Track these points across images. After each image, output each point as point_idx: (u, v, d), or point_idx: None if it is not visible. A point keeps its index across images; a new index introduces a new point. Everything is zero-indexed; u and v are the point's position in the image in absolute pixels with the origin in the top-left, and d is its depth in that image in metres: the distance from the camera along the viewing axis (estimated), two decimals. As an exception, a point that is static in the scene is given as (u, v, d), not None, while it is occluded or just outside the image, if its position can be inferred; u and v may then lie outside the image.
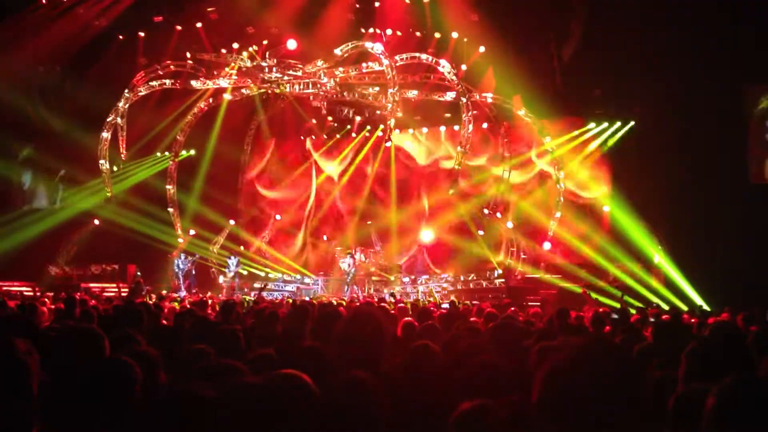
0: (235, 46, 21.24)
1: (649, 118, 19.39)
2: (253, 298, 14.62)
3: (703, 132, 17.42)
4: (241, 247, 24.35)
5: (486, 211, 21.81)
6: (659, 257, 18.87)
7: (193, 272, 22.38)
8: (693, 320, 8.44)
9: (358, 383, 2.68)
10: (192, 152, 24.45)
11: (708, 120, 17.50)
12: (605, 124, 20.91)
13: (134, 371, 3.00)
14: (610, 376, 2.00)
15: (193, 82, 22.00)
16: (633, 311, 11.20)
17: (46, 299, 11.59)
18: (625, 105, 20.12)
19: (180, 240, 23.03)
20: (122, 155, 21.87)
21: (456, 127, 21.70)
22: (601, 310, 9.98)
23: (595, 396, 1.97)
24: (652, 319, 8.87)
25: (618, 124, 20.75)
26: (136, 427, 2.81)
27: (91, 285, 20.93)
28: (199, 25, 21.16)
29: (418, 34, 21.10)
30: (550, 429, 1.99)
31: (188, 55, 21.65)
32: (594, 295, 14.52)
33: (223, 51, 21.45)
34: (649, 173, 18.05)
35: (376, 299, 15.32)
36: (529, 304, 15.33)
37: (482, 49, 20.20)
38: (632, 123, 20.44)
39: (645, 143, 19.02)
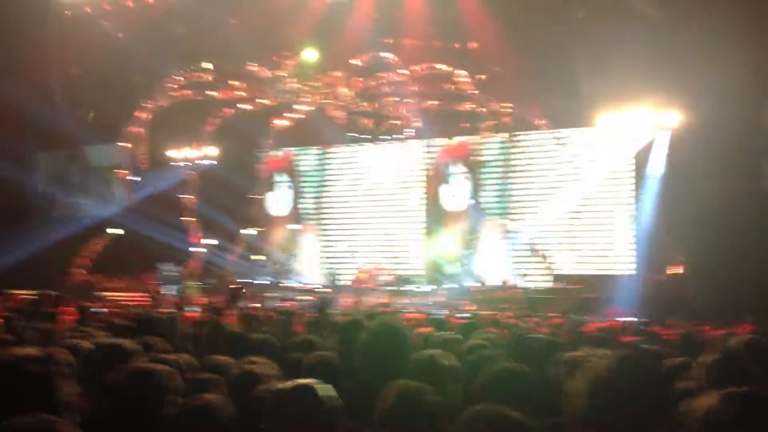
0: (255, 56, 21.39)
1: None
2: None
3: (732, 141, 17.09)
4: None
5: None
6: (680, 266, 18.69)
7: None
8: (719, 332, 8.31)
9: (413, 392, 2.65)
10: (211, 162, 24.54)
11: (739, 128, 17.17)
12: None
13: (162, 379, 2.97)
14: (645, 386, 1.97)
15: (212, 93, 22.13)
16: None
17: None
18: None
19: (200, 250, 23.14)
20: (142, 165, 22.03)
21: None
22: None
23: (629, 405, 1.94)
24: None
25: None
26: None
27: (109, 294, 21.03)
28: (219, 35, 21.29)
29: (436, 44, 21.07)
30: None
31: (209, 66, 21.80)
32: None
33: (243, 61, 21.60)
34: (675, 180, 17.81)
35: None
36: (551, 315, 15.12)
37: (501, 59, 20.15)
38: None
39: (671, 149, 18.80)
